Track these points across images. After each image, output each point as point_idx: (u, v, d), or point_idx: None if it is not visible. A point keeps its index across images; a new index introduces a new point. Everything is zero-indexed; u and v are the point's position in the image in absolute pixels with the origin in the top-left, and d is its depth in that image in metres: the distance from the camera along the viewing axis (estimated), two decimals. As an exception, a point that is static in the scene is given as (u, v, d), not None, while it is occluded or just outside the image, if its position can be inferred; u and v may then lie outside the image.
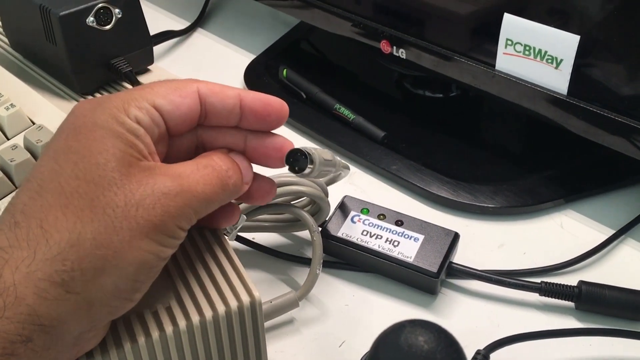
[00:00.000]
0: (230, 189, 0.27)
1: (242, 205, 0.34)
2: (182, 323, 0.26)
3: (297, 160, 0.29)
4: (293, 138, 0.47)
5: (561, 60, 0.36)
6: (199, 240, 0.29)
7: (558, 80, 0.36)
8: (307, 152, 0.29)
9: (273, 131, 0.29)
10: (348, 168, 0.36)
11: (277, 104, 0.28)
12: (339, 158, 0.34)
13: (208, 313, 0.26)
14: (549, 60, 0.36)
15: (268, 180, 0.30)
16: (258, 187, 0.29)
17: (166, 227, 0.24)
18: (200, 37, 0.61)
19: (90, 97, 0.26)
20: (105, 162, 0.23)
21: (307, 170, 0.29)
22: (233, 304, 0.26)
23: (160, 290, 0.27)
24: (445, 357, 0.22)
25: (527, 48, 0.37)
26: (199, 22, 0.62)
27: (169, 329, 0.25)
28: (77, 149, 0.24)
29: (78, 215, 0.22)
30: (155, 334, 0.25)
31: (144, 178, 0.24)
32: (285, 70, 0.51)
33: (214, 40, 0.60)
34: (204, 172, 0.25)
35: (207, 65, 0.56)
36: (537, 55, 0.36)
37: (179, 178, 0.24)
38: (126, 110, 0.25)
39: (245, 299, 0.27)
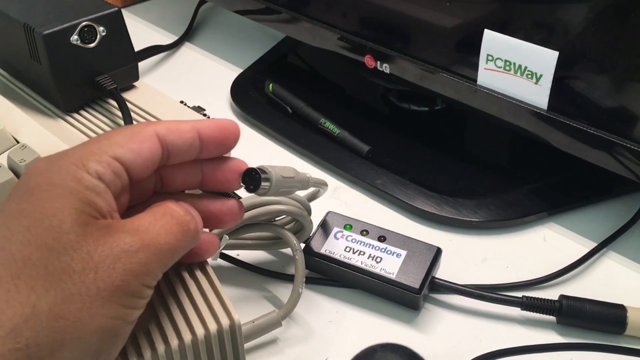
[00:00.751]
0: (192, 234, 0.26)
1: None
2: (160, 347, 0.26)
3: (252, 179, 0.28)
4: (278, 153, 0.48)
5: (541, 75, 0.36)
6: (178, 261, 0.29)
7: (538, 95, 0.37)
8: (262, 170, 0.29)
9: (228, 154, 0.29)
10: (325, 184, 0.36)
11: (231, 125, 0.28)
12: (313, 175, 0.34)
13: (187, 337, 0.26)
14: (529, 76, 0.36)
15: (234, 200, 0.29)
16: (226, 209, 0.29)
17: (129, 287, 0.22)
18: (188, 51, 0.61)
19: (45, 156, 0.25)
20: (59, 224, 0.22)
21: (262, 189, 0.29)
22: (212, 327, 0.27)
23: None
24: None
25: (508, 63, 0.37)
26: (186, 36, 0.62)
27: (147, 353, 0.25)
28: (29, 211, 0.22)
29: (31, 286, 0.21)
30: (133, 359, 0.25)
31: (101, 237, 0.22)
32: (271, 84, 0.51)
33: (201, 55, 0.60)
34: (163, 222, 0.24)
35: (194, 80, 0.57)
36: (517, 70, 0.37)
37: (138, 232, 0.23)
38: (85, 165, 0.23)
39: (225, 321, 0.27)
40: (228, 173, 0.28)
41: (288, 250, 0.39)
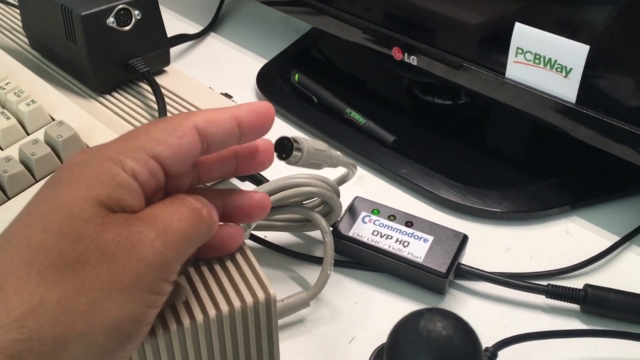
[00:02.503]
0: (206, 221, 0.24)
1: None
2: (199, 317, 0.26)
3: (284, 147, 0.29)
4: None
5: (570, 69, 0.36)
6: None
7: (567, 89, 0.37)
8: (294, 140, 0.29)
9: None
10: (355, 166, 0.37)
11: (267, 108, 0.27)
12: (345, 157, 0.34)
13: (224, 308, 0.27)
14: (559, 69, 0.37)
15: (261, 194, 0.29)
16: (254, 203, 0.28)
17: (146, 280, 0.21)
18: (213, 41, 0.62)
19: (83, 149, 0.25)
20: (78, 212, 0.21)
21: (293, 158, 0.29)
22: (249, 299, 0.27)
23: (177, 285, 0.27)
24: (461, 343, 0.23)
25: (537, 57, 0.38)
26: (212, 26, 0.63)
27: (185, 322, 0.26)
28: (52, 198, 0.21)
29: (43, 275, 0.20)
30: (173, 326, 0.26)
31: (117, 228, 0.21)
32: (297, 74, 0.52)
33: (227, 45, 0.61)
34: (174, 208, 0.23)
35: (220, 69, 0.57)
36: (546, 64, 0.37)
37: (152, 219, 0.22)
38: (122, 162, 0.22)
39: (261, 295, 0.27)
40: (262, 154, 0.28)
41: (314, 233, 0.40)
